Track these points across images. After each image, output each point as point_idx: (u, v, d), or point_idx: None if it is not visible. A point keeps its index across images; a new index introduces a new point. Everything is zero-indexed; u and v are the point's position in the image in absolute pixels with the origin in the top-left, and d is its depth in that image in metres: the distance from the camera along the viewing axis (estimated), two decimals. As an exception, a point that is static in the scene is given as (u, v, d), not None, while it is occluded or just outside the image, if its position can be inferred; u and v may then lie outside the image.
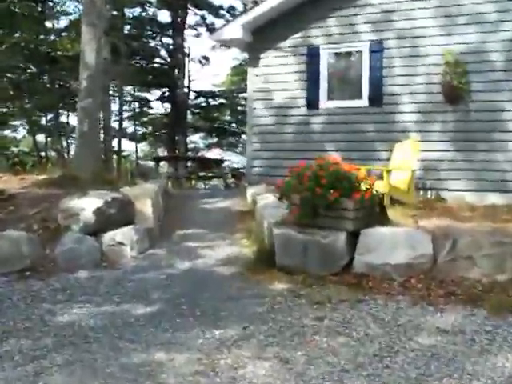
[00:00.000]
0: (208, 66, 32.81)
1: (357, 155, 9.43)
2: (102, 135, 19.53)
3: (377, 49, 9.63)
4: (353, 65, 10.06)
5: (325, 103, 10.05)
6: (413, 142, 8.62)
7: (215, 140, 34.41)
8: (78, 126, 9.05)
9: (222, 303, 5.01)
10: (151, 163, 35.33)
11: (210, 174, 14.95)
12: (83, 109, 8.98)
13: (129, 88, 28.58)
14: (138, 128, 31.31)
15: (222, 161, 14.55)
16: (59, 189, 8.46)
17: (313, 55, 10.08)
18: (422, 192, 9.08)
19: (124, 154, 30.60)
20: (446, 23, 9.21)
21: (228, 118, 33.39)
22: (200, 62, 30.33)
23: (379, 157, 9.46)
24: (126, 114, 29.36)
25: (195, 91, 29.37)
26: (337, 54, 10.13)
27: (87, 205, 6.47)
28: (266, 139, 10.55)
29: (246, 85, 32.40)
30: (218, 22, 28.56)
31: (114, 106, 24.99)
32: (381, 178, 7.57)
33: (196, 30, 29.38)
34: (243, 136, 33.89)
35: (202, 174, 14.76)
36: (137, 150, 29.01)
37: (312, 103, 10.10)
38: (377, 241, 5.76)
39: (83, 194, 6.76)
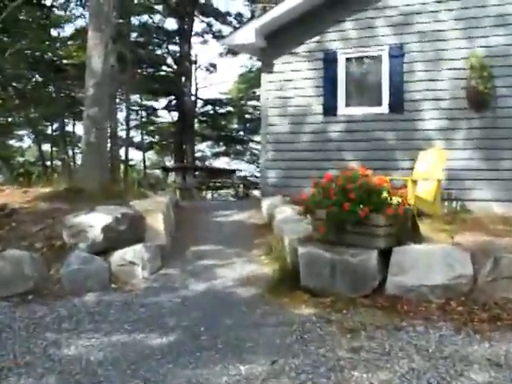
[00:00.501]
0: (215, 74, 32.24)
1: (377, 164, 8.93)
2: (108, 145, 19.24)
3: (397, 53, 9.17)
4: (372, 70, 9.61)
5: (343, 110, 9.60)
6: (438, 150, 8.14)
7: (222, 149, 34.03)
8: (84, 136, 8.61)
9: (246, 332, 4.53)
10: (158, 172, 35.22)
11: (221, 185, 14.51)
12: (90, 117, 8.55)
13: (135, 96, 28.25)
14: (145, 137, 30.97)
15: (233, 171, 14.07)
16: (64, 203, 8.01)
17: (330, 60, 9.63)
18: (446, 203, 8.59)
19: (131, 163, 30.27)
20: (471, 25, 8.77)
21: (235, 126, 32.96)
22: (207, 69, 30.02)
23: (400, 166, 9.00)
24: (132, 123, 29.05)
25: (202, 99, 29.01)
26: (355, 59, 9.68)
27: (95, 221, 6.01)
28: (281, 148, 10.09)
29: (253, 92, 32.12)
30: (225, 30, 28.35)
31: (121, 115, 24.71)
32: (402, 188, 7.09)
33: (203, 37, 29.13)
34: (251, 144, 33.57)
35: (212, 184, 14.31)
36: (144, 160, 28.60)
37: (329, 110, 9.65)
38: (411, 259, 5.27)
39: (90, 209, 6.30)
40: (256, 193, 16.61)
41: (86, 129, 8.58)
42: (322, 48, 9.74)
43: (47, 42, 19.54)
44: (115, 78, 17.49)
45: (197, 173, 15.03)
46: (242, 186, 14.08)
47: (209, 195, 16.07)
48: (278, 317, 4.87)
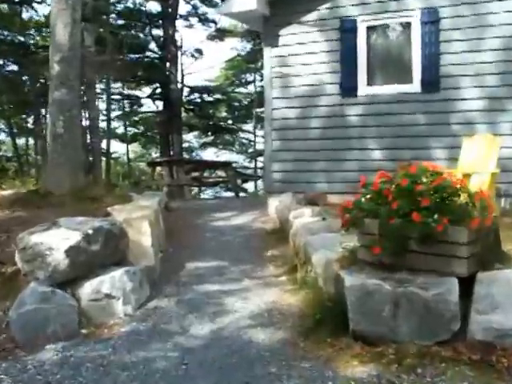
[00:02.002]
0: (201, 60, 30.43)
1: (406, 155, 7.46)
2: (88, 137, 17.46)
3: (430, 19, 7.59)
4: (400, 40, 8.01)
5: (364, 89, 8.02)
6: (489, 136, 6.60)
7: (210, 139, 32.31)
8: (50, 126, 6.96)
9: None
10: (144, 165, 33.37)
11: (216, 180, 12.84)
12: (56, 102, 6.89)
13: (118, 85, 26.45)
14: (128, 128, 29.16)
15: (229, 163, 12.37)
16: (27, 210, 6.41)
17: (348, 30, 8.03)
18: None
19: (114, 156, 28.50)
20: (521, -18, 7.19)
21: (224, 114, 31.25)
22: (193, 55, 28.22)
23: (435, 156, 7.46)
24: (115, 114, 27.28)
25: (189, 86, 27.24)
26: (378, 28, 8.05)
27: (57, 241, 4.36)
28: (288, 136, 8.49)
29: (240, 80, 30.45)
30: (212, 12, 26.59)
31: (103, 106, 22.93)
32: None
33: (188, 20, 27.31)
34: (240, 133, 31.91)
35: (205, 179, 12.60)
36: (128, 152, 26.74)
37: (348, 90, 8.06)
38: (504, 291, 3.71)
39: (52, 223, 4.65)
40: (249, 186, 15.09)
41: (52, 117, 6.92)
42: (338, 15, 8.12)
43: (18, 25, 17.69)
44: (95, 62, 15.77)
45: (188, 166, 13.36)
46: (239, 181, 12.43)
47: (203, 193, 14.32)
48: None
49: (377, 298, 3.73)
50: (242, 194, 12.94)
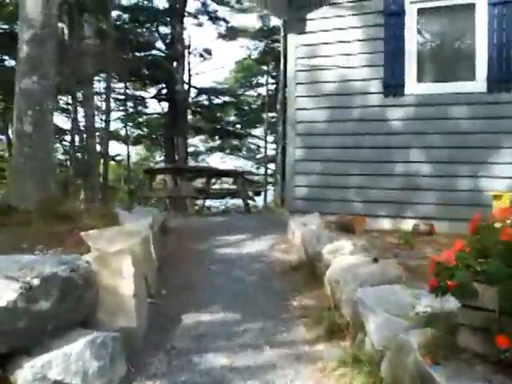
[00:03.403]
0: (209, 61, 28.85)
1: (464, 170, 5.88)
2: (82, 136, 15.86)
3: (500, -1, 6.02)
4: (460, 26, 6.44)
5: (413, 88, 6.47)
6: None
7: (217, 143, 30.83)
8: (16, 124, 5.42)
9: None
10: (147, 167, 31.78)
11: (226, 191, 11.15)
12: (23, 92, 5.36)
13: (121, 85, 25.03)
14: (132, 130, 27.72)
15: (241, 172, 10.67)
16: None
17: (393, 13, 6.48)
18: None
19: (118, 158, 27.04)
20: None
21: (232, 118, 29.76)
22: (201, 55, 26.83)
23: (504, 174, 5.89)
24: (118, 114, 25.87)
25: (196, 88, 25.79)
26: (432, 10, 6.49)
27: (-22, 299, 2.81)
28: (315, 143, 6.94)
29: (251, 82, 29.03)
30: (222, 11, 25.25)
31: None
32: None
33: (197, 18, 25.92)
34: (249, 139, 30.41)
35: (213, 191, 10.93)
36: (129, 155, 25.21)
37: (392, 88, 6.51)
38: None
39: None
40: (259, 198, 13.51)
41: (19, 111, 5.38)
42: (382, -6, 6.58)
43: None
44: (93, 55, 14.28)
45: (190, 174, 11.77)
46: (252, 193, 10.77)
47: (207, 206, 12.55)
48: None
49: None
50: (252, 203, 11.31)
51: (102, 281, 3.57)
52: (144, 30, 24.20)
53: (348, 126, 6.74)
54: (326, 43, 6.87)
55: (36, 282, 2.96)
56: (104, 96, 19.29)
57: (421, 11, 6.43)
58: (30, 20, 5.38)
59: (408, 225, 6.19)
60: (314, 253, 5.06)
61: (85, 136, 16.25)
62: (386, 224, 6.45)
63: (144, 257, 4.35)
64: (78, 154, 18.22)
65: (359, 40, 6.69)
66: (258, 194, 11.58)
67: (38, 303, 2.94)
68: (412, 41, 6.42)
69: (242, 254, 5.90)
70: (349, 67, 6.74)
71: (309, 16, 6.91)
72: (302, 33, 6.99)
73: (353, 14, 6.69)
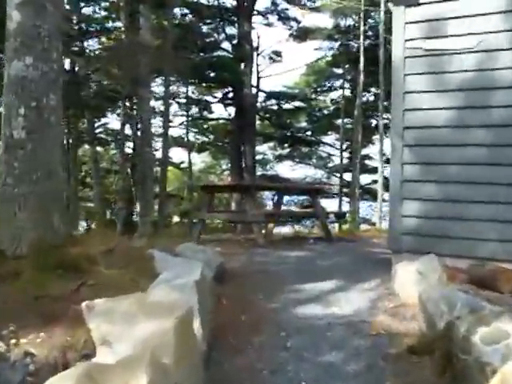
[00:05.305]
0: (280, 64, 27.06)
1: None
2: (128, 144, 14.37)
3: None
4: None
5: None
6: None
7: (286, 151, 29.00)
8: (4, 128, 3.70)
9: None
10: (213, 177, 30.31)
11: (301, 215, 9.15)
12: (14, 81, 3.67)
13: (184, 89, 23.72)
14: (197, 136, 26.37)
15: (318, 190, 8.54)
16: None
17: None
18: None
19: (183, 166, 25.75)
20: None
21: (303, 124, 27.94)
22: (270, 57, 25.15)
23: None
24: (181, 120, 24.54)
25: (265, 91, 24.11)
26: None
27: None
28: (434, 157, 4.95)
29: (323, 86, 27.17)
30: (292, 11, 23.54)
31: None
32: None
33: (266, 18, 24.32)
34: (321, 147, 28.52)
35: (286, 215, 8.90)
36: (190, 163, 23.73)
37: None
38: None
39: None
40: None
41: (7, 109, 3.69)
42: None
43: None
44: (150, 54, 12.76)
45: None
46: (334, 215, 8.70)
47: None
48: None
49: None
50: (330, 224, 9.35)
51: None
52: (209, 28, 22.78)
53: (483, 134, 4.70)
54: (450, 18, 4.88)
55: None
56: (164, 100, 17.87)
57: None
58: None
59: None
60: (448, 332, 3.10)
61: (138, 142, 14.83)
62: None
63: (180, 346, 2.53)
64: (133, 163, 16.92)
65: (496, 12, 4.66)
66: (340, 216, 9.58)
67: None
68: None
69: (333, 319, 4.00)
70: (483, 51, 4.72)
71: (426, -20, 4.96)
72: (413, 5, 5.03)
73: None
